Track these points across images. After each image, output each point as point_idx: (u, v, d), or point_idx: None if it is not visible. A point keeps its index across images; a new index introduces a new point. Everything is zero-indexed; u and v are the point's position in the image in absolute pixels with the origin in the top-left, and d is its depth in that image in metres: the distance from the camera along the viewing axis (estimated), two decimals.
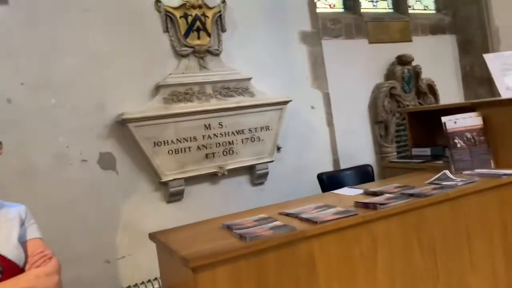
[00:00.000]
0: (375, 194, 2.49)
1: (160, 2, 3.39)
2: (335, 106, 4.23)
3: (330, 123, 4.20)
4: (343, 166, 4.20)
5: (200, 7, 3.51)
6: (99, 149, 3.15)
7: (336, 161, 4.20)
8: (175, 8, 3.45)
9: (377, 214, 2.14)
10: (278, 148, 3.88)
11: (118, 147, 3.22)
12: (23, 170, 2.90)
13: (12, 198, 2.67)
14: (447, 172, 2.71)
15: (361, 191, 2.63)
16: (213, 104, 3.48)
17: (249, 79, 3.67)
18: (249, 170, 3.71)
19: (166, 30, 3.44)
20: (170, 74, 3.39)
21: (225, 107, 3.51)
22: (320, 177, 3.38)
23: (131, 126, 3.15)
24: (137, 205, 3.27)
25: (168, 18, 3.44)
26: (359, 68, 4.47)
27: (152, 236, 2.34)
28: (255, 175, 3.69)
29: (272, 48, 3.90)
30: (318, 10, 4.36)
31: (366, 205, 2.22)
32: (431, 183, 2.58)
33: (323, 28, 4.33)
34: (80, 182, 3.07)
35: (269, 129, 3.72)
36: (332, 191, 2.85)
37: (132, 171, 3.26)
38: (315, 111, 4.12)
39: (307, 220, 2.10)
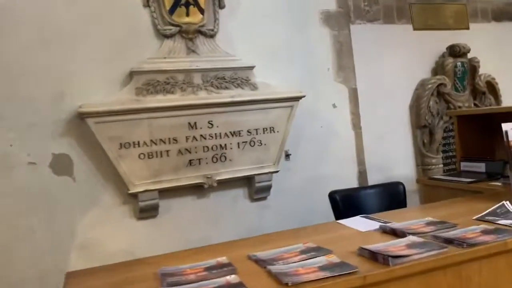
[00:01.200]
0: (394, 233, 1.68)
1: None
2: (364, 105, 3.39)
3: (356, 125, 3.36)
4: (371, 180, 3.36)
5: None
6: (52, 150, 2.53)
7: (362, 174, 3.36)
8: None
9: (389, 274, 1.34)
10: (287, 155, 3.11)
11: (76, 148, 2.58)
12: None
13: None
14: (507, 203, 1.85)
15: (377, 225, 1.83)
16: (202, 97, 2.77)
17: (251, 67, 2.92)
18: (247, 182, 2.96)
19: (147, 4, 2.76)
20: (148, 58, 2.71)
21: (217, 101, 2.78)
22: (332, 196, 2.57)
23: (90, 122, 2.50)
24: (99, 221, 2.62)
25: None
26: (399, 60, 3.58)
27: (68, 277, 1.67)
28: (254, 188, 2.94)
29: (284, 30, 3.13)
30: None
31: (373, 256, 1.43)
32: (481, 220, 1.74)
33: (355, 9, 3.49)
34: (26, 189, 2.46)
35: (274, 131, 2.96)
36: (339, 221, 2.07)
37: (94, 178, 2.61)
38: (337, 110, 3.30)
39: (276, 277, 1.34)
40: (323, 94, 3.24)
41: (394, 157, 3.54)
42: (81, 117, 2.50)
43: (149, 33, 2.77)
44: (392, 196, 2.62)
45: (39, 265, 2.47)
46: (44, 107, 2.50)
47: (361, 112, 3.38)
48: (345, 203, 2.56)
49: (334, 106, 3.29)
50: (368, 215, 2.08)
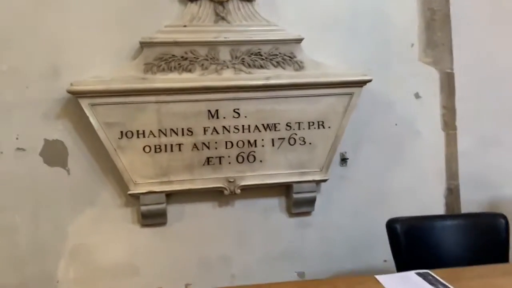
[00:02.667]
0: None
1: None
2: (463, 96, 2.45)
3: (449, 124, 2.45)
4: (466, 201, 2.45)
5: None
6: (44, 135, 2.11)
7: (453, 192, 2.45)
8: None
9: None
10: (343, 159, 2.34)
11: (73, 134, 2.13)
12: None
13: None
14: None
15: None
16: (226, 78, 2.14)
17: (299, 40, 2.20)
18: (285, 190, 2.28)
19: None
20: (165, 26, 2.15)
21: (245, 84, 2.13)
22: (392, 227, 1.77)
23: (84, 103, 2.03)
24: (94, 224, 2.16)
25: None
26: None
27: None
28: (292, 199, 2.24)
29: None
30: None
31: None
32: None
33: None
34: (12, 180, 2.08)
35: (324, 127, 2.22)
36: (377, 277, 1.31)
37: (92, 172, 2.15)
38: (421, 102, 2.42)
39: None
40: (400, 79, 2.39)
41: (506, 169, 2.54)
42: (75, 96, 2.04)
43: None
44: (485, 236, 1.74)
45: (20, 272, 2.09)
46: (35, 83, 2.08)
47: (457, 106, 2.45)
48: (410, 238, 1.76)
49: (417, 96, 2.42)
50: (429, 273, 1.29)
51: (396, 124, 2.39)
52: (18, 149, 2.09)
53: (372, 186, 2.37)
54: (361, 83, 2.21)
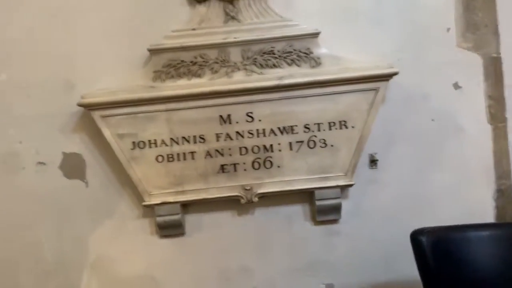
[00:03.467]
0: None
1: None
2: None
3: (497, 117, 2.14)
4: None
5: None
6: (62, 148, 2.13)
7: (504, 194, 2.14)
8: None
9: None
10: (373, 161, 2.13)
11: (90, 146, 2.13)
12: None
13: None
14: None
15: None
16: (236, 80, 2.02)
17: (315, 35, 2.03)
18: (309, 196, 2.11)
19: None
20: (173, 31, 2.07)
21: (257, 85, 2.00)
22: (417, 239, 1.55)
23: (96, 115, 2.01)
24: (113, 236, 2.15)
25: None
26: None
27: None
28: (315, 207, 2.07)
29: None
30: None
31: None
32: None
33: None
34: (34, 194, 2.13)
35: (347, 127, 2.03)
36: None
37: (109, 184, 2.13)
38: (461, 93, 2.14)
39: None
40: (436, 69, 2.12)
41: None
42: (86, 109, 2.03)
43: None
44: None
45: (47, 284, 2.13)
46: (51, 97, 2.10)
47: (507, 95, 2.13)
48: (438, 253, 1.53)
49: (456, 86, 2.14)
50: None
51: (432, 120, 2.13)
52: (39, 163, 2.13)
53: (407, 190, 2.13)
54: (386, 77, 2.00)
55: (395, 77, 2.03)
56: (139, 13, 2.11)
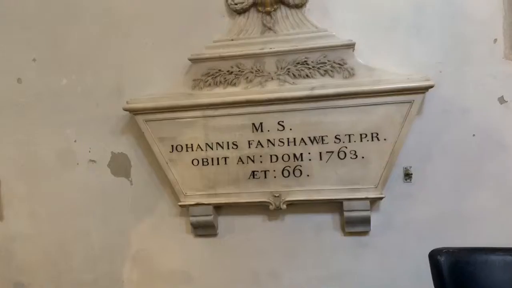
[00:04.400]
0: None
1: None
2: None
3: None
4: None
5: None
6: (111, 148, 2.33)
7: None
8: None
9: None
10: (407, 175, 2.08)
11: (135, 147, 2.31)
12: (25, 166, 2.41)
13: (10, 197, 2.35)
14: None
15: None
16: (269, 90, 2.08)
17: (350, 46, 2.03)
18: (339, 206, 2.11)
19: None
20: (214, 41, 2.18)
21: (288, 95, 2.05)
22: (435, 259, 1.52)
23: (140, 119, 2.18)
24: (153, 231, 2.31)
25: None
26: None
27: None
28: (344, 218, 2.08)
29: None
30: None
31: None
32: None
33: None
34: (86, 188, 2.35)
35: (378, 139, 2.00)
36: None
37: (151, 183, 2.30)
38: (507, 107, 2.02)
39: None
40: (479, 81, 2.02)
41: None
42: (131, 113, 2.20)
43: (220, 10, 2.22)
44: None
45: (95, 270, 2.35)
46: (103, 102, 2.32)
47: None
48: (456, 275, 1.48)
49: (502, 101, 2.02)
50: None
51: (474, 135, 2.03)
52: (91, 161, 2.35)
53: (444, 206, 2.06)
54: (421, 89, 1.94)
55: (435, 89, 1.97)
56: (183, 24, 2.24)
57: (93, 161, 2.35)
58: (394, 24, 2.07)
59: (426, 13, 2.06)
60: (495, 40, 2.02)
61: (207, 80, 2.14)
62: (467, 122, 2.04)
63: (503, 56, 2.01)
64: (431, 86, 1.93)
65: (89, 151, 2.35)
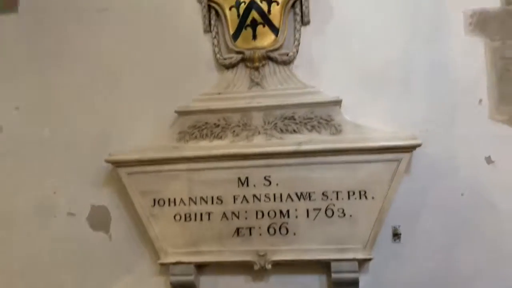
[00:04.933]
0: None
1: None
2: None
3: None
4: None
5: None
6: (91, 201, 2.25)
7: None
8: None
9: None
10: (396, 235, 2.02)
11: (116, 200, 2.23)
12: (1, 216, 2.30)
13: None
14: None
15: None
16: (256, 144, 2.05)
17: (336, 102, 2.04)
18: (323, 267, 2.02)
19: (209, 29, 2.25)
20: (201, 94, 2.17)
21: (275, 150, 2.02)
22: None
23: (122, 172, 2.12)
24: None
25: (213, 11, 2.24)
26: None
27: None
28: (332, 279, 1.98)
29: (400, 43, 2.11)
30: None
31: None
32: None
33: None
34: (63, 242, 2.24)
35: (366, 197, 1.96)
36: None
37: (131, 238, 2.20)
38: (495, 168, 2.01)
39: None
40: (466, 141, 2.02)
41: None
42: (114, 165, 2.14)
43: (208, 64, 2.23)
44: None
45: None
46: (87, 151, 2.25)
47: None
48: None
49: (489, 160, 2.01)
50: None
51: (462, 194, 2.01)
52: (69, 214, 2.25)
53: (434, 267, 1.99)
54: (408, 148, 1.94)
55: (422, 148, 1.97)
56: (172, 76, 2.25)
57: (72, 214, 2.25)
58: (381, 82, 2.10)
59: (413, 72, 2.09)
60: (480, 101, 2.04)
61: (193, 133, 2.11)
62: (455, 182, 2.02)
63: (489, 116, 2.03)
64: (419, 145, 1.93)
65: (68, 203, 2.26)
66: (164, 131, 2.18)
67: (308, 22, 2.18)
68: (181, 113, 2.14)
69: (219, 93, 2.15)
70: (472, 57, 2.07)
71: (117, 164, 2.11)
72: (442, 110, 2.06)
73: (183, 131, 2.12)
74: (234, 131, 2.09)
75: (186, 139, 2.11)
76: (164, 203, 2.09)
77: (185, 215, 2.07)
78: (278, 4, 2.16)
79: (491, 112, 2.03)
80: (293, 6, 2.18)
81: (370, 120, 2.04)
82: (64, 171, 2.27)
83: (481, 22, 2.08)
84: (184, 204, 2.08)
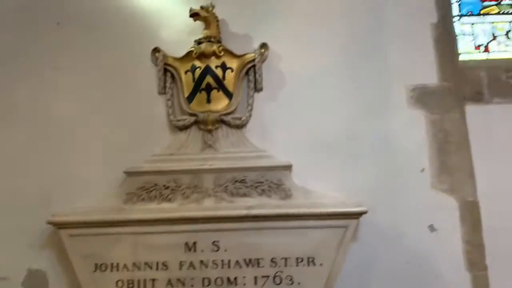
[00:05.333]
0: None
1: (159, 52, 2.28)
2: (492, 229, 2.06)
3: (476, 264, 2.04)
4: None
5: (216, 55, 2.22)
6: (28, 264, 2.11)
7: None
8: (179, 59, 2.27)
9: None
10: None
11: (55, 264, 2.11)
12: None
13: None
14: None
15: None
16: (205, 207, 2.03)
17: (287, 167, 2.07)
18: None
19: (163, 91, 2.27)
20: (153, 155, 2.15)
21: (224, 214, 2.00)
22: None
23: (64, 234, 2.02)
24: None
25: (168, 74, 2.28)
26: None
27: None
28: None
29: (348, 114, 2.21)
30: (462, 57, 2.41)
31: None
32: None
33: (491, 82, 2.31)
34: None
35: (314, 264, 1.95)
36: None
37: None
38: (437, 236, 2.07)
39: None
40: (411, 209, 2.09)
41: None
42: (56, 227, 2.04)
43: (162, 126, 2.24)
44: None
45: None
46: (28, 212, 2.13)
47: (486, 242, 2.05)
48: None
49: (432, 229, 2.08)
50: None
51: (407, 262, 2.04)
52: (2, 278, 2.09)
53: None
54: (355, 215, 1.97)
55: (369, 216, 2.01)
56: (123, 136, 2.23)
57: (4, 278, 2.09)
58: (330, 149, 2.16)
59: (360, 141, 2.18)
60: (423, 170, 2.14)
61: (141, 195, 2.07)
62: (401, 249, 2.06)
63: (431, 185, 2.12)
64: (365, 212, 1.97)
65: (2, 267, 2.10)
66: (112, 193, 2.12)
67: (261, 89, 2.25)
68: (130, 174, 2.10)
69: (171, 154, 2.14)
70: (414, 128, 2.19)
71: (59, 225, 2.02)
72: (387, 178, 2.13)
73: (131, 192, 2.07)
74: (184, 193, 2.06)
75: (134, 200, 2.06)
76: (106, 268, 1.99)
77: (127, 281, 1.98)
78: (232, 71, 2.24)
79: (433, 181, 2.13)
80: (247, 73, 2.26)
81: (320, 185, 2.08)
82: (1, 231, 2.13)
83: (421, 96, 2.22)
84: (128, 270, 1.98)
